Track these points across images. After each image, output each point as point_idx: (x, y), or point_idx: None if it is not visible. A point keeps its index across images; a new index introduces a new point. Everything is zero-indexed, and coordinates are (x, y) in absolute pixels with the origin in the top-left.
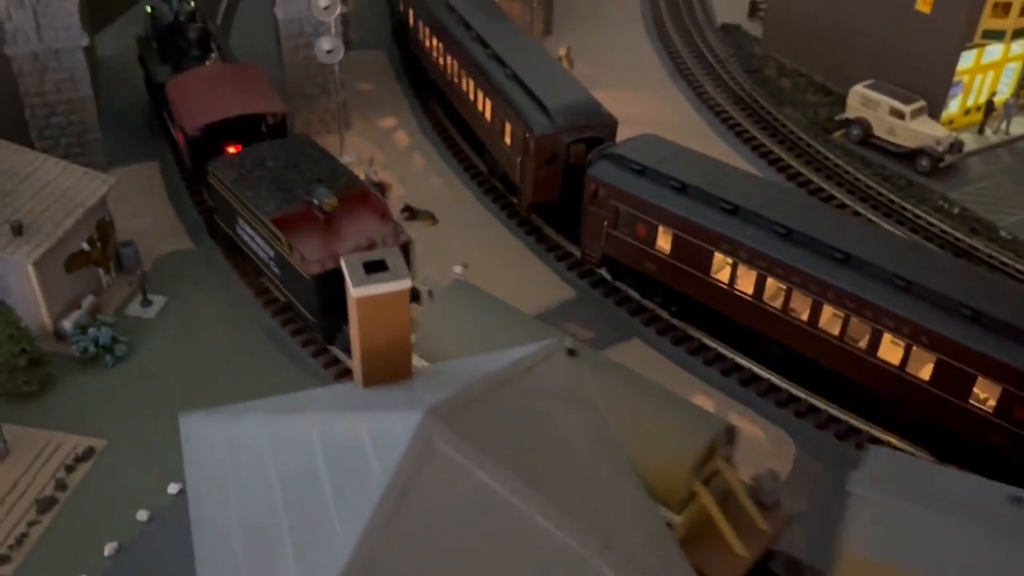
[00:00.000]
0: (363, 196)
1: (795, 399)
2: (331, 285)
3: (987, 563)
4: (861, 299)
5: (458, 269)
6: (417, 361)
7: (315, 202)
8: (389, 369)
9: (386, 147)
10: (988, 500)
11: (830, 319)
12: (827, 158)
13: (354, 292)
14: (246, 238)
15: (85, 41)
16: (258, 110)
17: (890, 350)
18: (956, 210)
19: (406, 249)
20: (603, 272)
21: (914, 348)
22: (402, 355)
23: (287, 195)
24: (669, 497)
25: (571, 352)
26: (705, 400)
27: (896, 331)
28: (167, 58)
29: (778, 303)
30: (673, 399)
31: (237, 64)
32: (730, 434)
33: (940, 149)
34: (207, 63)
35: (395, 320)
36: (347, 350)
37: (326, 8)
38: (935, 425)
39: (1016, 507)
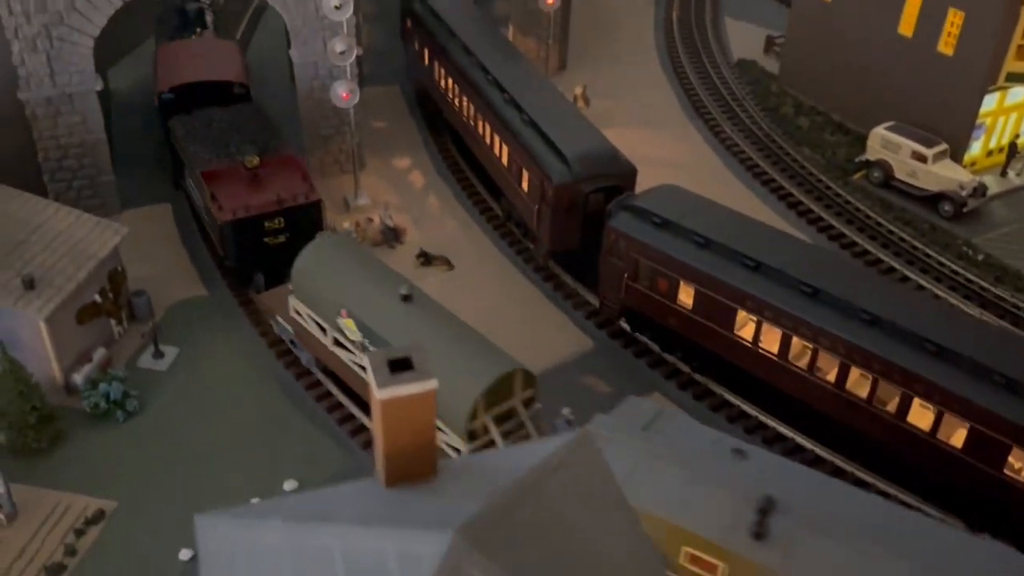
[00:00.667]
0: (287, 160)
1: (821, 460)
2: (244, 232)
3: (691, 498)
4: (890, 362)
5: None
6: (294, 303)
7: (241, 160)
8: (413, 468)
9: (401, 188)
10: (715, 448)
11: (857, 381)
12: (847, 201)
13: (378, 394)
14: (189, 189)
15: (99, 85)
16: (224, 77)
17: (920, 415)
18: (980, 257)
19: (317, 207)
20: (622, 323)
21: (946, 415)
22: (427, 454)
23: (220, 152)
24: (454, 424)
25: (406, 298)
26: None
27: (927, 397)
28: (172, 34)
29: (804, 363)
30: (486, 344)
31: (220, 40)
32: (529, 380)
33: (963, 194)
34: (194, 37)
35: (420, 420)
36: (260, 292)
37: (342, 53)
38: (968, 493)
39: (737, 456)
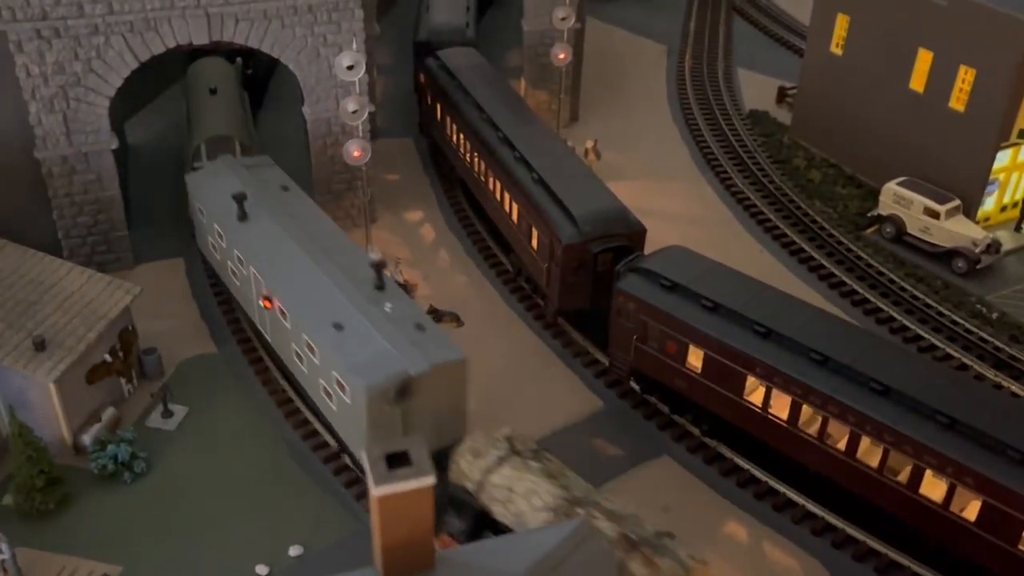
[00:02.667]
0: None
1: (831, 528)
2: None
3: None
4: (901, 434)
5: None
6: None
7: None
8: (411, 561)
9: (412, 242)
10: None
11: (868, 451)
12: (859, 257)
13: (375, 491)
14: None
15: (114, 144)
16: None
17: (933, 487)
18: (995, 315)
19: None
20: (632, 384)
21: (958, 488)
22: (424, 548)
23: None
24: None
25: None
26: (736, 526)
27: (939, 469)
28: None
29: (814, 430)
30: None
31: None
32: None
33: (977, 250)
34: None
35: (418, 515)
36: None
37: (354, 112)
38: (981, 567)
39: (418, 330)
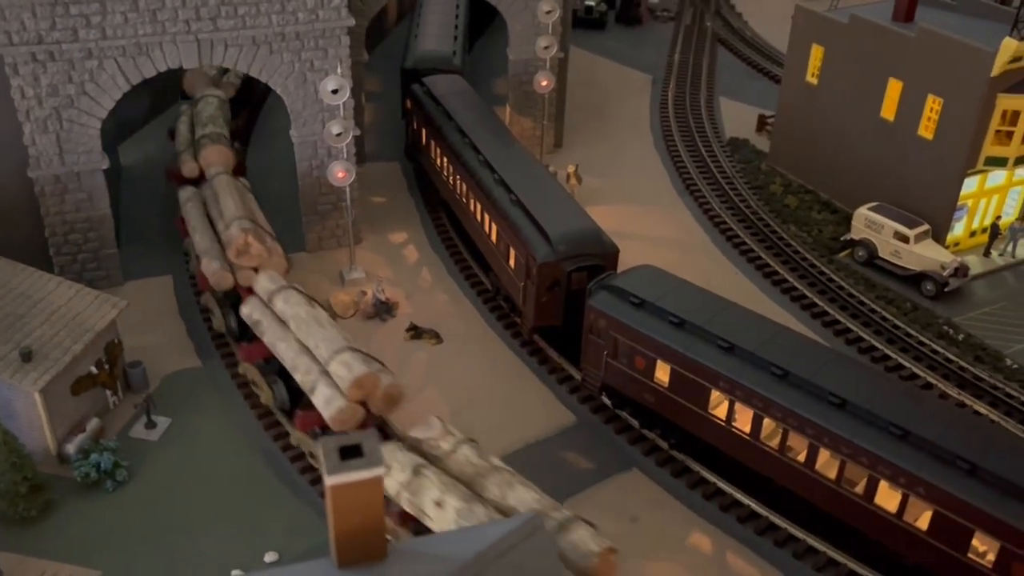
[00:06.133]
0: None
1: (794, 539)
2: None
3: None
4: (857, 446)
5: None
6: None
7: None
8: (364, 550)
9: (395, 262)
10: None
11: (827, 463)
12: (831, 279)
13: (328, 480)
14: None
15: (105, 163)
16: None
17: (887, 497)
18: (961, 336)
19: None
20: (603, 399)
21: (911, 498)
22: (376, 537)
23: None
24: None
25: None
26: (702, 537)
27: (893, 480)
28: None
29: (775, 443)
30: None
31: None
32: None
33: (945, 274)
34: None
35: (369, 504)
36: None
37: (338, 135)
38: (931, 574)
39: None
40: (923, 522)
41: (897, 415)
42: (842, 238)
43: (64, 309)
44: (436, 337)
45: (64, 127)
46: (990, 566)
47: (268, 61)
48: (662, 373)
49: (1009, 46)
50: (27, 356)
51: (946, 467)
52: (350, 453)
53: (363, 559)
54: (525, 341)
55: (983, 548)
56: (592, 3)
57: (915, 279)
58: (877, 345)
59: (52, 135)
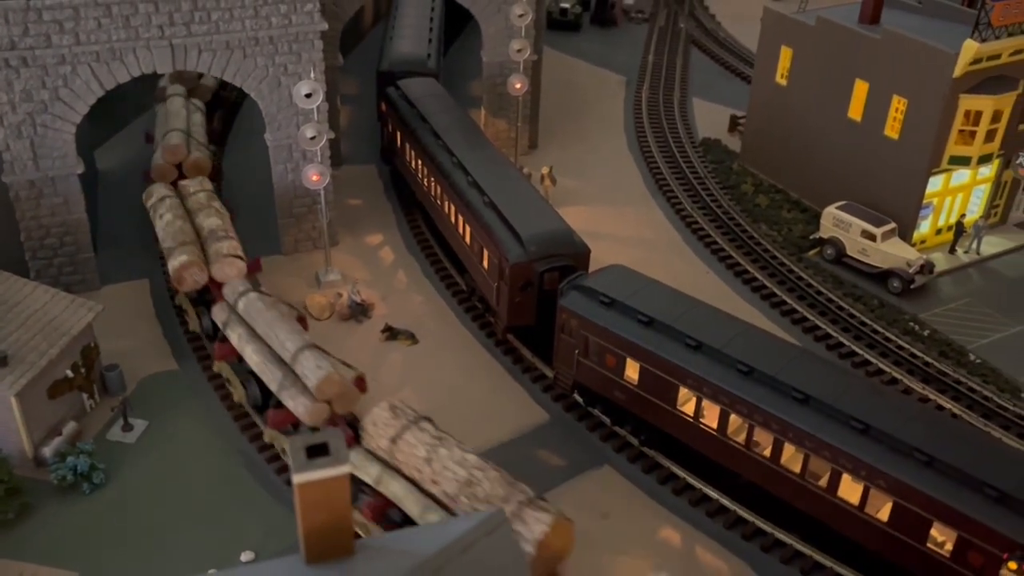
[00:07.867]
0: None
1: (761, 532)
2: None
3: None
4: (820, 440)
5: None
6: None
7: None
8: (331, 547)
9: (371, 264)
10: None
11: (791, 457)
12: (800, 277)
13: (295, 478)
14: None
15: (80, 168)
16: None
17: (850, 490)
18: (926, 332)
19: None
20: (575, 397)
21: (872, 490)
22: (343, 534)
23: None
24: None
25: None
26: (671, 531)
27: (854, 472)
28: None
29: (741, 438)
30: None
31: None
32: None
33: (911, 271)
34: None
35: (336, 502)
36: None
37: (312, 138)
38: (896, 566)
39: None
40: (884, 513)
41: (858, 410)
42: (811, 237)
43: (40, 313)
44: (411, 338)
45: (38, 132)
46: (948, 555)
47: (242, 65)
48: (632, 371)
49: (970, 48)
50: (3, 360)
51: (905, 459)
52: (317, 452)
53: (331, 555)
54: (499, 341)
55: (941, 538)
56: (567, 5)
57: (882, 276)
58: (845, 342)
59: (26, 140)
